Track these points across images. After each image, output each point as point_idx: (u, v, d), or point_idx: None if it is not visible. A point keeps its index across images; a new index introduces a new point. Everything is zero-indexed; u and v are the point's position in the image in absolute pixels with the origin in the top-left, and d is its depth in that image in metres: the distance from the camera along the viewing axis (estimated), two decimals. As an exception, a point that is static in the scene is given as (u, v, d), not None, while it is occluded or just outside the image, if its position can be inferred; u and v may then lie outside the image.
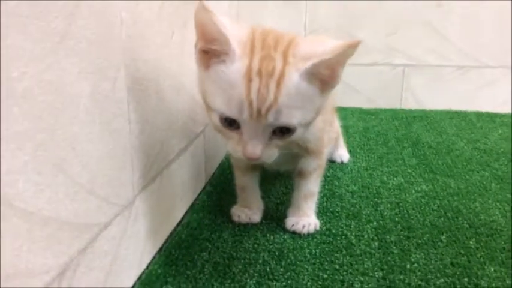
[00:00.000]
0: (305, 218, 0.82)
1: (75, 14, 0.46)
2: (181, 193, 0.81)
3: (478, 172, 1.09)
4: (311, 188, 0.83)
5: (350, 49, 0.54)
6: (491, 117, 1.53)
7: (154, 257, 0.69)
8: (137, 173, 0.61)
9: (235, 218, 0.84)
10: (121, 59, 0.55)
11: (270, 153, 0.59)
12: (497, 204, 0.93)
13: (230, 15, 1.10)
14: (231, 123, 0.56)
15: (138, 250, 0.63)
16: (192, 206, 0.87)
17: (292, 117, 0.55)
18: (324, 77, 0.56)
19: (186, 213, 0.84)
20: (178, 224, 0.80)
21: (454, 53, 1.57)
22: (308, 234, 0.81)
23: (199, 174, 0.91)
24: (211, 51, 0.56)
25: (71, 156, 0.46)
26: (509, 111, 1.57)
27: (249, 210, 0.84)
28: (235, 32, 0.56)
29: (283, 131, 0.57)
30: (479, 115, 1.55)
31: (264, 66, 0.54)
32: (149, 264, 0.68)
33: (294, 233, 0.81)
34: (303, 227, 0.81)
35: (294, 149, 0.76)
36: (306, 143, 0.76)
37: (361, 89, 1.63)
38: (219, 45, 0.55)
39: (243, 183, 0.85)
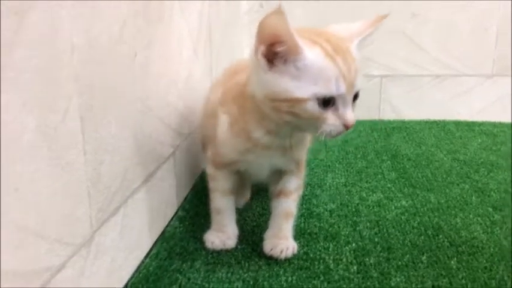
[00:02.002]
0: (284, 242, 0.78)
1: (16, 43, 0.42)
2: (150, 221, 0.77)
3: (458, 185, 1.07)
4: (292, 207, 0.80)
5: (381, 21, 0.70)
6: (470, 125, 1.52)
7: (119, 295, 0.65)
8: (95, 207, 0.57)
9: (209, 245, 0.80)
10: (73, 87, 0.52)
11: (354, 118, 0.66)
12: (478, 219, 0.91)
13: (202, 23, 1.07)
14: (326, 103, 0.62)
15: (99, 289, 0.59)
16: (163, 233, 0.83)
17: (362, 82, 0.65)
18: None
19: (156, 242, 0.80)
20: (147, 255, 0.76)
21: (430, 62, 1.56)
22: (285, 259, 0.77)
23: (170, 199, 0.87)
24: (273, 53, 0.62)
25: (13, 199, 0.42)
26: (487, 119, 1.57)
27: (223, 235, 0.81)
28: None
29: (355, 97, 0.65)
30: (458, 124, 1.54)
31: (334, 46, 0.63)
32: (113, 303, 0.64)
33: (270, 258, 0.78)
34: (281, 252, 0.77)
35: (285, 161, 0.77)
36: (297, 152, 0.77)
37: (339, 100, 1.61)
38: (286, 45, 0.61)
39: (221, 205, 0.81)
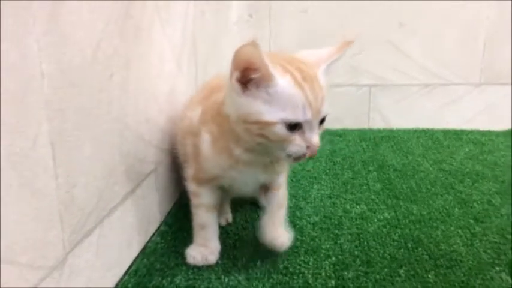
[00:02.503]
0: (281, 232, 0.82)
1: (-20, 75, 0.43)
2: (129, 239, 0.77)
3: (441, 196, 1.08)
4: (282, 198, 0.84)
5: (348, 46, 0.72)
6: (458, 134, 1.53)
7: (95, 314, 0.66)
8: (68, 230, 0.58)
9: (190, 260, 0.81)
10: (43, 113, 0.53)
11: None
12: (459, 231, 0.91)
13: (185, 37, 1.08)
14: (292, 127, 0.67)
15: (74, 310, 0.60)
16: (144, 249, 0.84)
17: (328, 107, 0.70)
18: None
19: (136, 258, 0.81)
20: (126, 272, 0.76)
21: (418, 71, 1.57)
22: (265, 273, 0.78)
23: (152, 215, 0.88)
24: (247, 79, 0.66)
25: (-20, 227, 0.43)
26: (476, 127, 1.58)
27: (205, 249, 0.81)
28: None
29: (321, 121, 0.70)
30: (446, 133, 1.55)
31: (303, 74, 0.67)
32: (88, 322, 0.65)
33: (270, 248, 0.80)
34: (282, 243, 0.80)
35: (267, 177, 0.80)
36: (278, 167, 0.80)
37: (328, 110, 1.62)
38: (260, 72, 0.65)
39: (205, 221, 0.82)
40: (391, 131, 1.58)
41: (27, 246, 0.50)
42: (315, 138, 0.68)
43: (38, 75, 0.52)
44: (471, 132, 1.55)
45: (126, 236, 0.76)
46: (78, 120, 0.60)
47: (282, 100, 0.66)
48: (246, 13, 1.59)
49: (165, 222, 0.94)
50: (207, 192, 0.81)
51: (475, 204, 1.03)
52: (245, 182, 0.79)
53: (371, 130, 1.60)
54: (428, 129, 1.58)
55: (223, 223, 0.94)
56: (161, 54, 0.91)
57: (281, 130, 0.66)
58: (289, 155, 0.69)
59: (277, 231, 0.81)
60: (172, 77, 0.98)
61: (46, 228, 0.53)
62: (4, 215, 0.46)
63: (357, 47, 1.56)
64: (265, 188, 0.83)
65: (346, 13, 1.54)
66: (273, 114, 0.66)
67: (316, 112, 0.67)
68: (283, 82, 0.66)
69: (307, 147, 0.68)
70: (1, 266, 0.46)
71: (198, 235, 0.83)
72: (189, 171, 0.82)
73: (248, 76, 0.66)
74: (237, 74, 0.66)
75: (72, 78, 0.58)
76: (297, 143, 0.68)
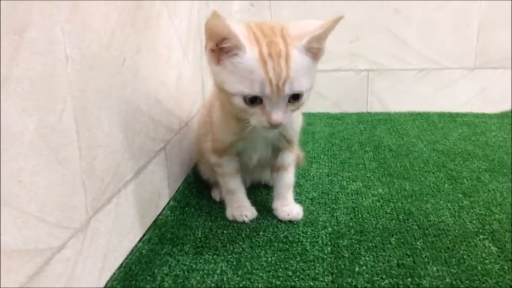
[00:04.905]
0: (294, 205, 0.93)
1: (16, 58, 0.49)
2: (142, 210, 0.85)
3: (433, 173, 1.14)
4: (291, 177, 0.95)
5: (334, 24, 0.69)
6: (453, 117, 1.59)
7: (114, 274, 0.73)
8: (90, 197, 0.65)
9: (230, 217, 0.92)
10: (68, 92, 0.59)
11: (287, 117, 0.73)
12: (448, 204, 0.98)
13: (191, 26, 1.14)
14: (253, 101, 0.70)
15: (95, 268, 0.67)
16: (155, 221, 0.91)
17: (301, 85, 0.71)
18: (314, 49, 0.72)
19: (149, 229, 0.88)
20: (140, 240, 0.84)
21: (414, 56, 1.63)
22: (267, 241, 0.85)
23: (162, 190, 0.95)
24: (221, 49, 0.70)
25: (18, 189, 0.50)
26: (470, 110, 1.64)
27: (241, 209, 0.92)
28: (239, 29, 0.69)
29: (295, 98, 0.72)
30: (441, 115, 1.61)
31: (272, 50, 0.68)
32: (108, 281, 0.72)
33: (290, 221, 0.91)
34: (298, 214, 0.92)
35: (280, 140, 0.89)
36: (289, 131, 0.88)
37: (327, 94, 1.68)
38: (230, 42, 0.68)
39: (234, 185, 0.92)
40: (388, 114, 1.64)
41: (55, 208, 0.57)
42: (275, 114, 0.70)
43: (63, 59, 0.58)
44: (465, 114, 1.60)
45: (139, 207, 0.83)
46: (98, 100, 0.67)
47: (242, 73, 0.68)
48: (247, 2, 1.64)
49: (174, 198, 1.01)
50: (227, 161, 0.90)
51: (464, 180, 1.09)
52: (257, 141, 0.88)
53: (369, 113, 1.67)
54: (424, 112, 1.64)
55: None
56: (169, 43, 0.97)
57: (239, 102, 0.70)
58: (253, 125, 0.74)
59: (290, 206, 0.92)
60: (179, 65, 1.04)
61: (71, 193, 0.60)
62: (37, 179, 0.53)
63: (355, 34, 1.62)
64: (276, 168, 0.93)
65: (343, 2, 1.60)
66: (233, 85, 0.70)
67: (277, 89, 0.68)
68: (248, 55, 0.68)
69: (268, 122, 0.71)
70: (34, 223, 0.53)
71: (231, 200, 0.92)
72: (208, 145, 0.92)
73: (221, 46, 0.69)
74: (210, 45, 0.71)
75: (91, 62, 0.65)
76: (257, 117, 0.72)
